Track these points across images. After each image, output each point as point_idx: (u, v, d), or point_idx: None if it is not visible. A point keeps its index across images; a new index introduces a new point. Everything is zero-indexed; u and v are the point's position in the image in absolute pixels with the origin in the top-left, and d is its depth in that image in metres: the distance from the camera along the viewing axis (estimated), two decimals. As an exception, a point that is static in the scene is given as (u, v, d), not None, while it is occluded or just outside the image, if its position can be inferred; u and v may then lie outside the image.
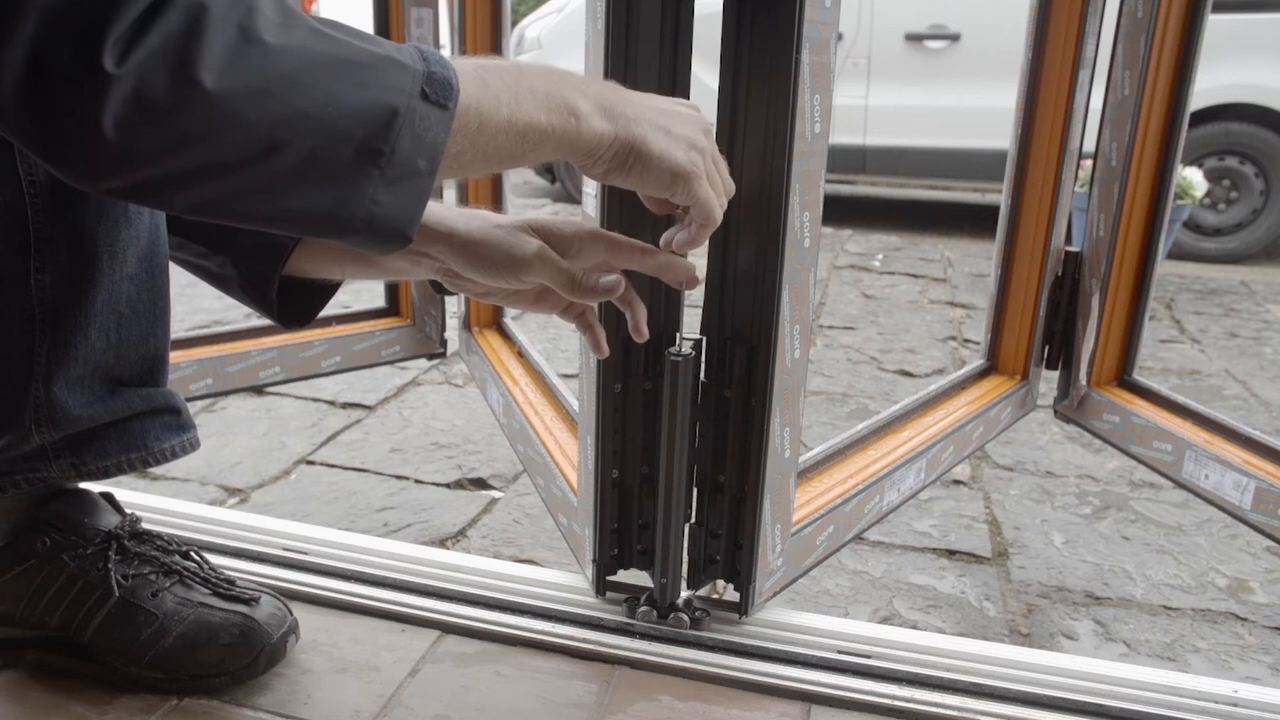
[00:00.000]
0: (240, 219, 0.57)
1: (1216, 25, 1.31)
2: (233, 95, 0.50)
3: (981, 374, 1.44)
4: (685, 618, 0.95)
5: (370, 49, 0.55)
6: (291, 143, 0.52)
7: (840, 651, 0.93)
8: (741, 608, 0.96)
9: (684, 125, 0.68)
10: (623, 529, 0.98)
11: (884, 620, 1.19)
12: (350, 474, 1.58)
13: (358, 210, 0.56)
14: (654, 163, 0.66)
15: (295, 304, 0.84)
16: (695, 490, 0.95)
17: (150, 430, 0.85)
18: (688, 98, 0.84)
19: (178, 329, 1.91)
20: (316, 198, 0.55)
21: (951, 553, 1.37)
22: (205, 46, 0.49)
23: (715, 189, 0.70)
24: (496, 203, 1.58)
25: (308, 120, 0.52)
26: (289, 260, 0.80)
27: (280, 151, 0.52)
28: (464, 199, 1.56)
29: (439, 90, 0.56)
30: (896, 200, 5.68)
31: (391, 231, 0.58)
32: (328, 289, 0.86)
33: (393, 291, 1.62)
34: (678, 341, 0.90)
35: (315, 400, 1.90)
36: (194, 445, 0.89)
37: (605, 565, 0.99)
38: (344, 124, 0.53)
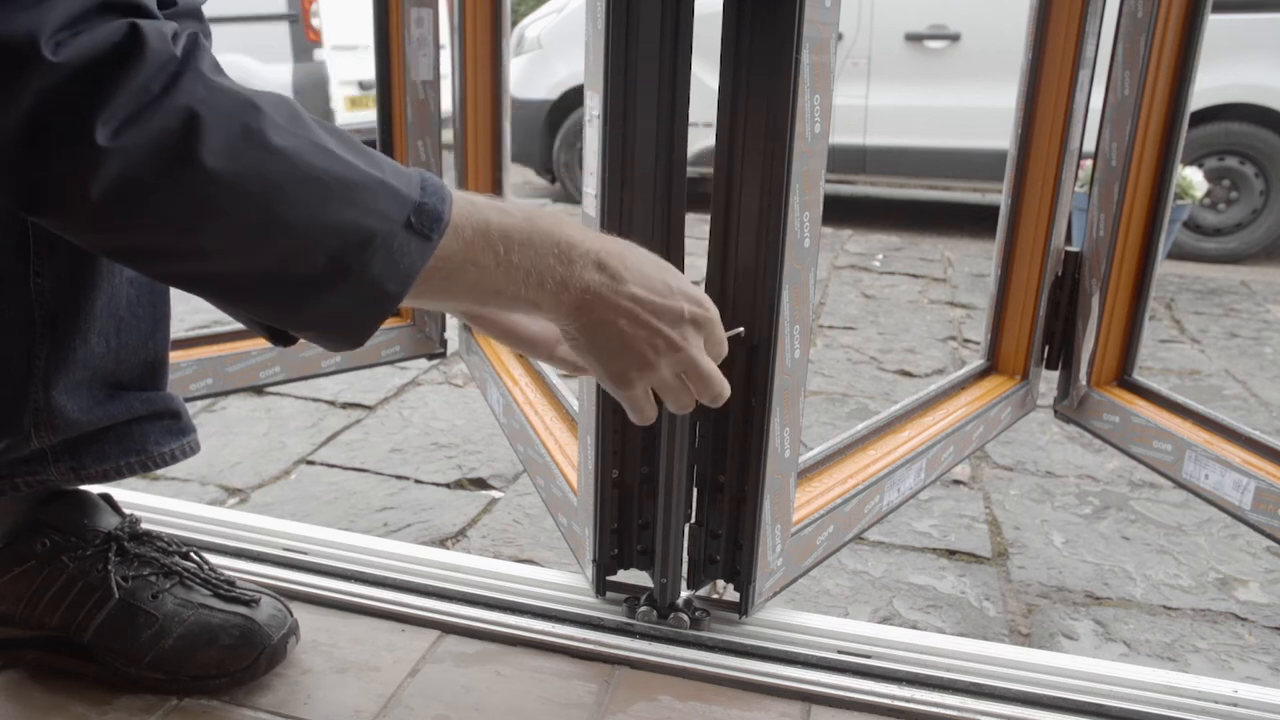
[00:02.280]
0: (207, 298, 0.60)
1: (1216, 25, 1.31)
2: (219, 189, 0.53)
3: (981, 374, 1.44)
4: (685, 618, 0.95)
5: (367, 171, 0.57)
6: (267, 245, 0.55)
7: (840, 651, 0.93)
8: (741, 608, 0.96)
9: (649, 340, 0.67)
10: (623, 529, 0.98)
11: (884, 620, 1.19)
12: (350, 474, 1.58)
13: (313, 316, 0.59)
14: (593, 361, 0.68)
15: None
16: (695, 490, 0.95)
17: (150, 434, 0.85)
18: (688, 98, 0.85)
19: (178, 329, 1.91)
20: (279, 296, 0.58)
21: (951, 553, 1.37)
22: (203, 138, 0.52)
23: (666, 394, 0.71)
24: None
25: (286, 228, 0.54)
26: None
27: (254, 251, 0.55)
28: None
29: (426, 221, 0.58)
30: (896, 200, 5.68)
31: (341, 339, 0.60)
32: None
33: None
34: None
35: (315, 400, 1.90)
36: (194, 449, 0.89)
37: (605, 565, 0.99)
38: (321, 237, 0.55)
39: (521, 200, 4.80)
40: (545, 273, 0.63)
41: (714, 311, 0.71)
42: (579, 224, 0.67)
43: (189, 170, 0.52)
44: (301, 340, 0.86)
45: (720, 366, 0.90)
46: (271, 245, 0.55)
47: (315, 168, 0.55)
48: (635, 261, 0.67)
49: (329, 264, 0.56)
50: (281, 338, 0.84)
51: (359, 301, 0.58)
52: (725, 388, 0.72)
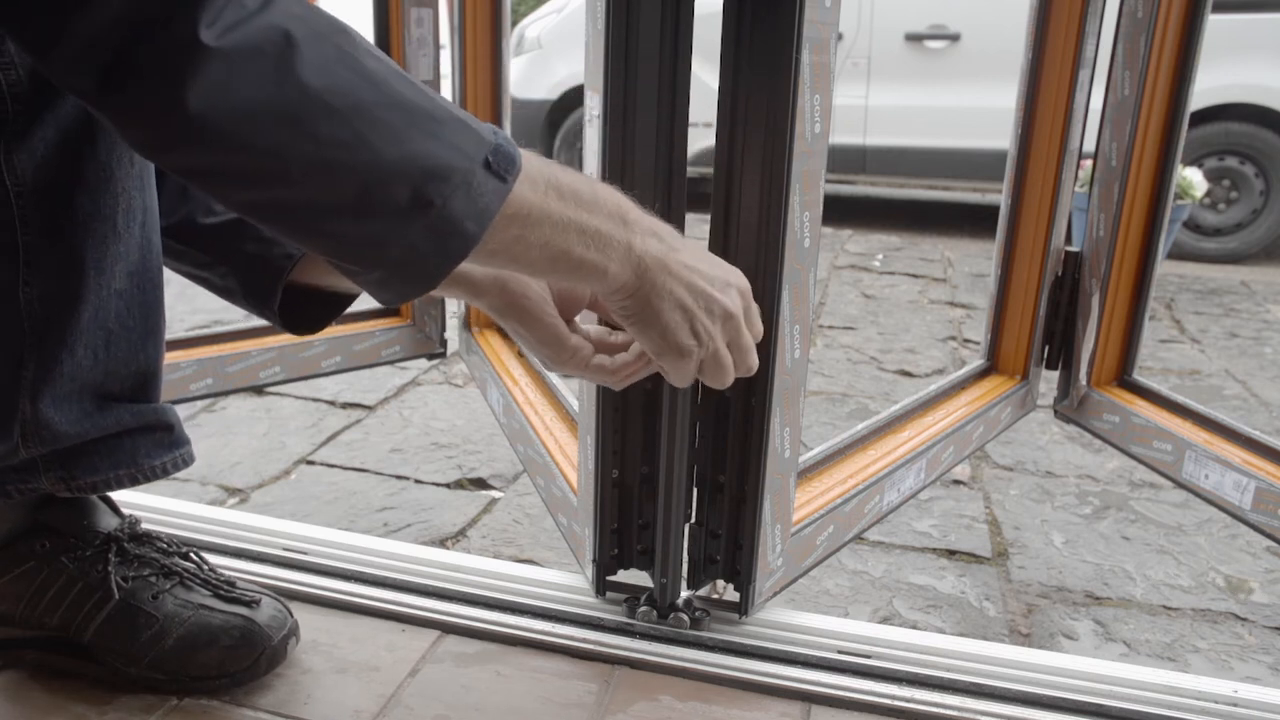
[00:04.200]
0: (282, 230, 0.58)
1: (1216, 25, 1.31)
2: (314, 106, 0.51)
3: (981, 374, 1.44)
4: (685, 618, 0.95)
5: (447, 107, 0.56)
6: (354, 171, 0.53)
7: (840, 651, 0.93)
8: (741, 608, 0.96)
9: (707, 306, 0.68)
10: (623, 529, 0.98)
11: (884, 620, 1.19)
12: (350, 474, 1.58)
13: (392, 252, 0.56)
14: (654, 333, 0.67)
15: (305, 314, 0.84)
16: (695, 490, 0.95)
17: (141, 447, 0.84)
18: (688, 98, 0.85)
19: (178, 329, 1.91)
20: (358, 229, 0.55)
21: (951, 553, 1.37)
22: (301, 53, 0.51)
23: (709, 368, 0.71)
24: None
25: (374, 154, 0.53)
26: (300, 270, 0.79)
27: (341, 175, 0.53)
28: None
29: (502, 162, 0.57)
30: (896, 200, 5.68)
31: (412, 283, 0.58)
32: (340, 300, 0.85)
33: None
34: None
35: (315, 400, 1.90)
36: (187, 461, 0.88)
37: (605, 565, 0.99)
38: (406, 167, 0.54)
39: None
40: (611, 234, 0.63)
41: (747, 283, 0.72)
42: (627, 198, 0.67)
43: (286, 84, 0.51)
44: (305, 337, 0.86)
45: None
46: (356, 172, 0.53)
47: (404, 96, 0.54)
48: (682, 239, 0.68)
49: (412, 196, 0.54)
50: (303, 326, 0.84)
51: (438, 240, 0.56)
52: (757, 360, 0.73)
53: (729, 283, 0.70)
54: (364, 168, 0.53)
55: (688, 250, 0.68)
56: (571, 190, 0.61)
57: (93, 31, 0.49)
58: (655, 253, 0.65)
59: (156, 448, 0.85)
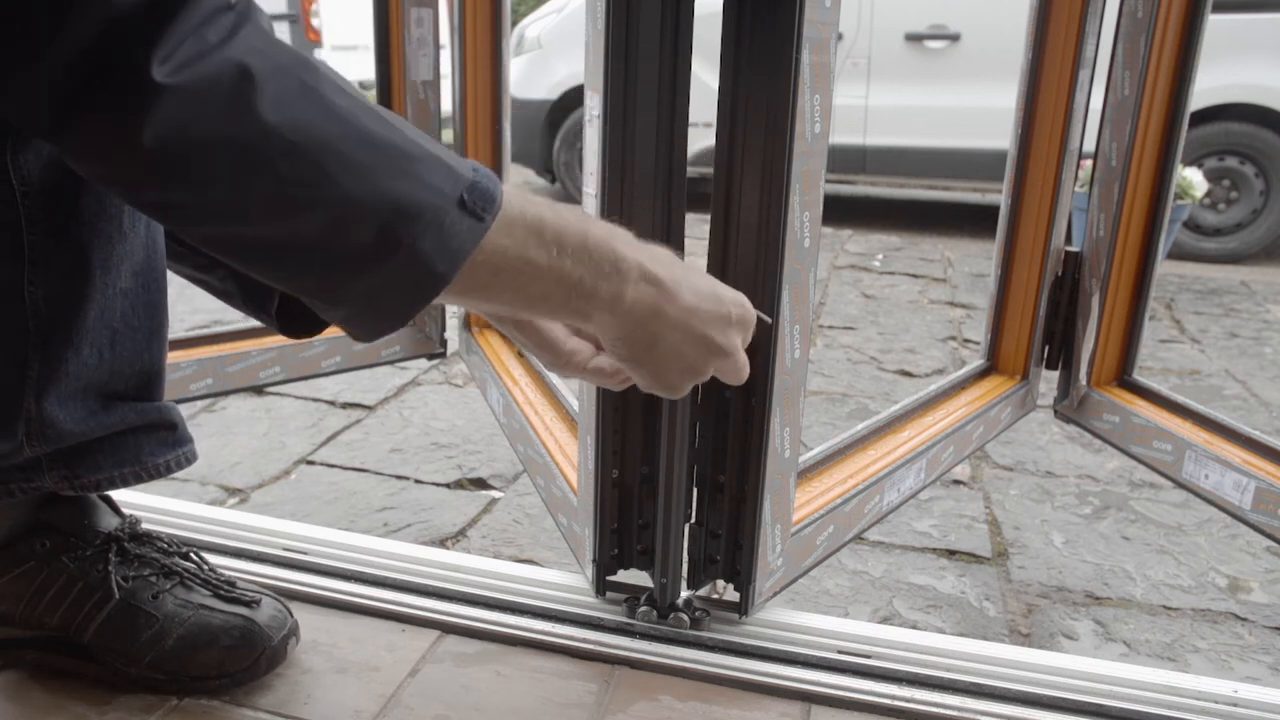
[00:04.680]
0: (243, 266, 0.57)
1: (1216, 25, 1.31)
2: (272, 143, 0.50)
3: (981, 374, 1.44)
4: (685, 618, 0.95)
5: (422, 143, 0.55)
6: (316, 208, 0.52)
7: (840, 651, 0.93)
8: (741, 608, 0.96)
9: (706, 351, 0.67)
10: (623, 529, 0.98)
11: (884, 620, 1.19)
12: (350, 474, 1.58)
13: (357, 290, 0.55)
14: (644, 373, 0.67)
15: (301, 318, 0.83)
16: (695, 490, 0.95)
17: (145, 445, 0.84)
18: (688, 98, 0.85)
19: (178, 329, 1.91)
20: (320, 268, 0.54)
21: (951, 553, 1.37)
22: (260, 89, 0.50)
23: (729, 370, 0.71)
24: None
25: (337, 192, 0.52)
26: None
27: (302, 213, 0.52)
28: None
29: (479, 201, 0.55)
30: (896, 200, 5.68)
31: (378, 322, 0.57)
32: None
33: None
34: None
35: (315, 400, 1.90)
36: (190, 459, 0.88)
37: (605, 565, 0.99)
38: (373, 204, 0.52)
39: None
40: (596, 286, 0.61)
41: (751, 309, 0.71)
42: (626, 234, 0.65)
43: (244, 120, 0.50)
44: (304, 339, 0.86)
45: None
46: (319, 210, 0.52)
47: (372, 131, 0.53)
48: (682, 272, 0.66)
49: (378, 235, 0.53)
50: (302, 329, 0.84)
51: (405, 280, 0.54)
52: (747, 369, 0.73)
53: (729, 320, 0.68)
54: (327, 205, 0.52)
55: (686, 286, 0.65)
56: (556, 234, 0.59)
57: (46, 70, 0.49)
58: (649, 301, 0.63)
59: (160, 446, 0.85)
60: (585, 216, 0.63)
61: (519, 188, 0.60)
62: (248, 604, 0.87)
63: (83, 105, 0.50)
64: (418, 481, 1.56)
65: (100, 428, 0.80)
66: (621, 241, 0.63)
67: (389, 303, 0.56)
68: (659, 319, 0.64)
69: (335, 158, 0.51)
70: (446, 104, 1.51)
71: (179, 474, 0.88)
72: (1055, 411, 1.43)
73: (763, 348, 0.87)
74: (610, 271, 0.61)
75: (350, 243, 0.53)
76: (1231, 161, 4.08)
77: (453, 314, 1.68)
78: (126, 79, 0.48)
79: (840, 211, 4.93)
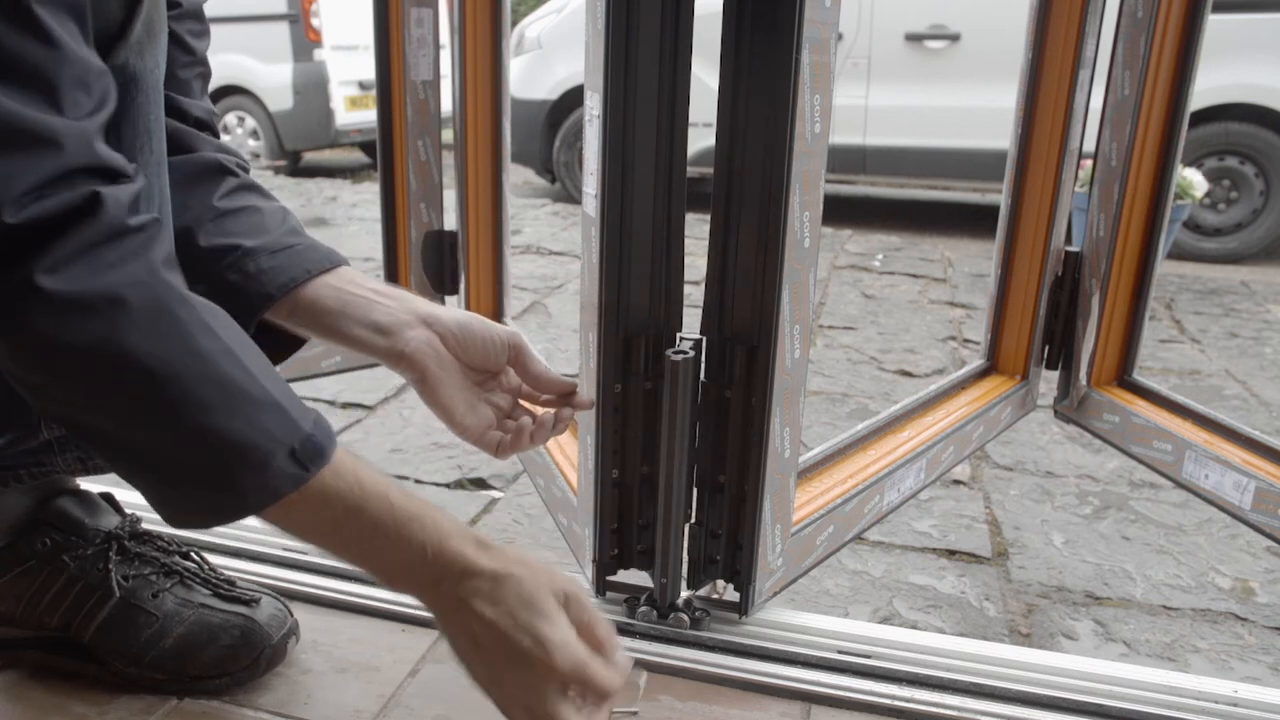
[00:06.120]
0: (83, 444, 0.69)
1: (1216, 25, 1.31)
2: (128, 367, 0.56)
3: (981, 374, 1.44)
4: (685, 618, 0.95)
5: (271, 391, 0.62)
6: (157, 428, 0.59)
7: (840, 651, 0.93)
8: (741, 608, 0.96)
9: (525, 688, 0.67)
10: (623, 529, 0.98)
11: (884, 620, 1.19)
12: (350, 474, 1.57)
13: (169, 497, 0.63)
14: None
15: (270, 341, 0.84)
16: (695, 490, 0.95)
17: None
18: (688, 98, 0.85)
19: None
20: (147, 474, 0.62)
21: (951, 553, 1.37)
22: (131, 317, 0.57)
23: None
24: (496, 202, 1.58)
25: (179, 419, 0.58)
26: (273, 312, 0.80)
27: (139, 427, 0.59)
28: (465, 193, 1.56)
29: (309, 454, 0.62)
30: (896, 200, 5.68)
31: (185, 524, 0.64)
32: (301, 341, 0.87)
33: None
34: (678, 341, 0.90)
35: (315, 400, 1.90)
36: None
37: (605, 565, 0.99)
38: (203, 439, 0.59)
39: (522, 200, 4.79)
40: (409, 567, 0.67)
41: (592, 671, 0.67)
42: (478, 538, 0.69)
43: (108, 342, 0.56)
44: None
45: (720, 366, 0.90)
46: (159, 430, 0.59)
47: (224, 374, 0.60)
48: (512, 618, 0.66)
49: (201, 466, 0.60)
50: (272, 354, 0.86)
51: (215, 504, 0.62)
52: (612, 681, 0.68)
53: (547, 679, 0.66)
54: (165, 428, 0.59)
55: (503, 649, 0.66)
56: (372, 523, 0.65)
57: None
58: (459, 650, 0.69)
59: None
60: (427, 512, 0.67)
61: (369, 465, 0.67)
62: (247, 603, 0.87)
63: None
64: (418, 481, 1.56)
65: None
66: (464, 541, 0.68)
67: (197, 516, 0.63)
68: (461, 633, 0.68)
69: (181, 391, 0.58)
70: (446, 104, 1.51)
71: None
72: (1055, 411, 1.43)
73: (763, 348, 0.87)
74: (420, 565, 0.66)
75: (177, 462, 0.60)
76: (1231, 161, 4.08)
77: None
78: (12, 278, 0.54)
79: (840, 211, 4.93)
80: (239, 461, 0.60)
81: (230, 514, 0.62)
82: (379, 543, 0.66)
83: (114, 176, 0.58)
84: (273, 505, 0.62)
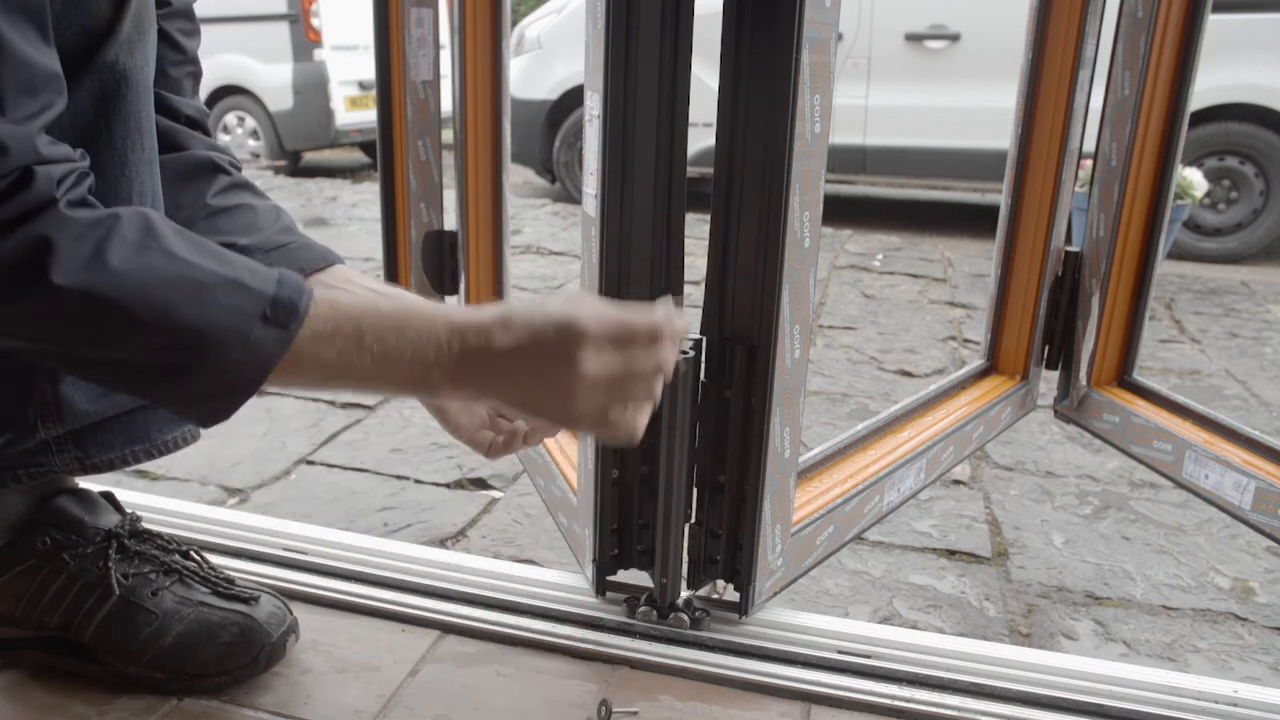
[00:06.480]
0: (74, 374, 0.69)
1: (1216, 25, 1.31)
2: (70, 302, 0.58)
3: (981, 374, 1.44)
4: (685, 618, 0.95)
5: (219, 271, 0.62)
6: (125, 343, 0.60)
7: (840, 651, 0.93)
8: (741, 608, 0.96)
9: (553, 382, 0.66)
10: (623, 529, 0.98)
11: (884, 620, 1.19)
12: (350, 474, 1.58)
13: (179, 397, 0.64)
14: (546, 424, 0.73)
15: None
16: (695, 490, 0.95)
17: (153, 422, 0.85)
18: (688, 98, 0.85)
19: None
20: (142, 383, 0.64)
21: (951, 553, 1.37)
22: (55, 259, 0.57)
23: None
24: (496, 202, 1.58)
25: (140, 327, 0.59)
26: None
27: (112, 347, 0.61)
28: (465, 193, 1.56)
29: (282, 313, 0.62)
30: (896, 200, 5.68)
31: (209, 417, 0.66)
32: None
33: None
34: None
35: (315, 400, 1.90)
36: (195, 436, 0.89)
37: (605, 565, 0.99)
38: (173, 333, 0.60)
39: (522, 200, 4.80)
40: (424, 352, 0.65)
41: (631, 319, 0.67)
42: (454, 310, 0.68)
43: (39, 288, 0.57)
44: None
45: (720, 366, 0.90)
46: (129, 342, 0.60)
47: (167, 274, 0.60)
48: (521, 318, 0.66)
49: (184, 356, 0.61)
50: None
51: (219, 387, 0.63)
52: (653, 391, 0.69)
53: (580, 340, 0.65)
54: (133, 339, 0.60)
55: (520, 329, 0.65)
56: (374, 327, 0.64)
57: None
58: (480, 363, 0.65)
59: (168, 423, 0.86)
60: (407, 306, 0.66)
61: (340, 286, 0.68)
62: (246, 601, 0.87)
63: None
64: (418, 481, 1.56)
65: (113, 406, 0.81)
66: (443, 324, 0.66)
67: (214, 403, 0.64)
68: (497, 374, 0.66)
69: (131, 302, 0.59)
70: (446, 104, 1.51)
71: (179, 474, 0.89)
72: (1055, 411, 1.43)
73: (763, 348, 0.87)
74: (435, 355, 0.65)
75: (162, 363, 0.62)
76: (1231, 161, 4.08)
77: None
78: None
79: (840, 211, 4.93)
80: (217, 346, 0.61)
81: (238, 392, 0.63)
82: (392, 357, 0.65)
83: (42, 162, 0.59)
84: (275, 369, 0.62)
